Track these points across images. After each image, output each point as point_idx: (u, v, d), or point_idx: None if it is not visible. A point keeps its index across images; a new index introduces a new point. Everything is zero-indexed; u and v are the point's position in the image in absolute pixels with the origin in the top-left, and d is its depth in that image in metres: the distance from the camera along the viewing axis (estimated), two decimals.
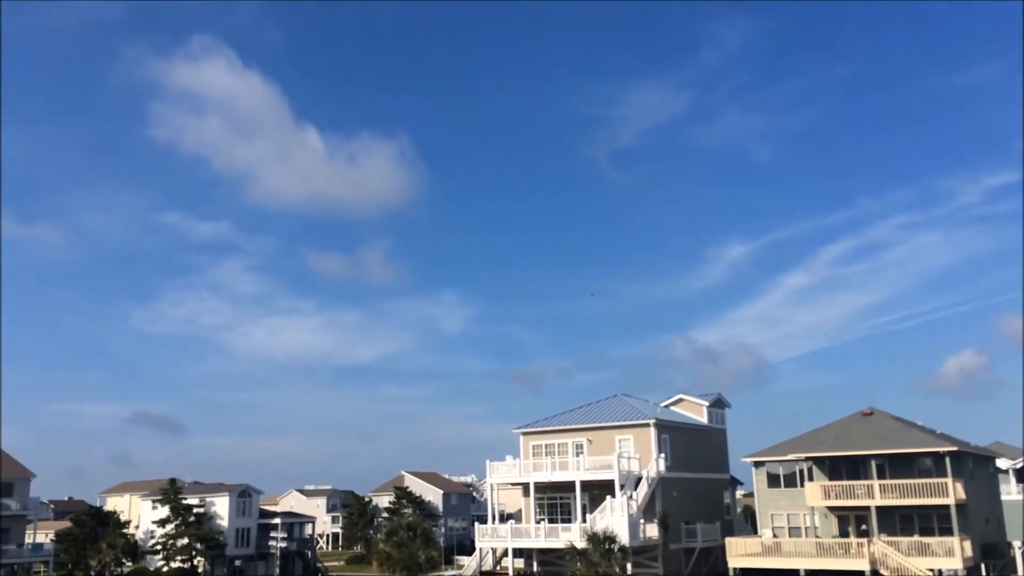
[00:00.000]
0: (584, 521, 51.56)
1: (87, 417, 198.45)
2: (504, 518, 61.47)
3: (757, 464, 53.80)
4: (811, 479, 50.46)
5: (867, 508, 47.60)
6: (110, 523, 79.34)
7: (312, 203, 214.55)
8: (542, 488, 57.50)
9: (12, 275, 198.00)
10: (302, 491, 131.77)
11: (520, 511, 62.96)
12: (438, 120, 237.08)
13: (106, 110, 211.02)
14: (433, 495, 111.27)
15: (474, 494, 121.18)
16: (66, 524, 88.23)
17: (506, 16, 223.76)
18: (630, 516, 50.57)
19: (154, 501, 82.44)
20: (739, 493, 75.31)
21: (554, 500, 58.00)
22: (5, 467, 67.98)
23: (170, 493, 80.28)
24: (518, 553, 56.11)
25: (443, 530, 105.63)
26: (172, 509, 79.16)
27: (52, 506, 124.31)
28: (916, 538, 45.44)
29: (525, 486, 57.92)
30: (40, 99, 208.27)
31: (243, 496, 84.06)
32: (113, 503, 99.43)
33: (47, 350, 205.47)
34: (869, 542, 45.14)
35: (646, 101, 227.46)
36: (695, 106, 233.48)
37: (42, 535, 78.38)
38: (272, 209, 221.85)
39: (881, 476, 48.26)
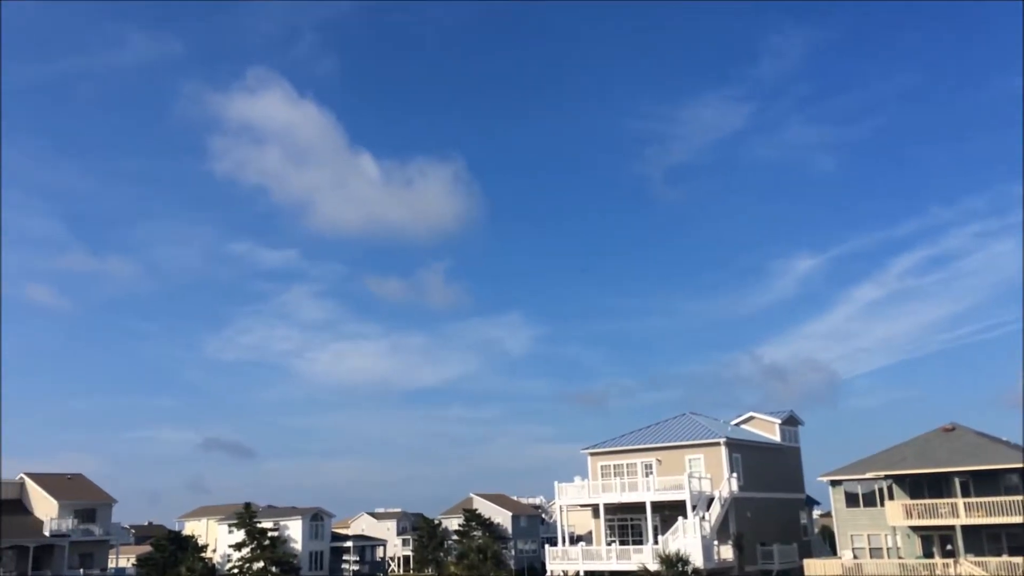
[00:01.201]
0: (656, 543, 50.76)
1: (163, 443, 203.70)
2: (574, 540, 60.90)
3: (834, 483, 52.36)
4: (891, 498, 48.85)
5: (952, 527, 45.83)
6: (188, 547, 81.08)
7: (370, 228, 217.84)
8: (612, 509, 56.88)
9: (89, 307, 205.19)
10: (373, 514, 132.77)
11: (590, 533, 62.35)
12: (492, 142, 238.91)
13: (170, 144, 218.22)
14: (502, 517, 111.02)
15: (543, 516, 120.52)
16: (146, 549, 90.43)
17: (558, 36, 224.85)
18: (703, 537, 49.64)
19: (230, 525, 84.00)
20: (816, 513, 73.27)
21: (624, 521, 57.29)
22: (88, 493, 70.16)
23: (245, 517, 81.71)
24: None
25: (513, 553, 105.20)
26: (247, 533, 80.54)
27: (133, 531, 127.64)
28: (1005, 558, 43.55)
29: (595, 507, 57.38)
30: (109, 136, 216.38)
31: (315, 519, 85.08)
32: (191, 527, 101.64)
33: (125, 379, 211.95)
34: (955, 563, 43.43)
35: (703, 116, 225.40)
36: (755, 119, 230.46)
37: (124, 560, 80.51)
38: (333, 235, 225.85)
39: (965, 494, 46.44)
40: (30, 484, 69.61)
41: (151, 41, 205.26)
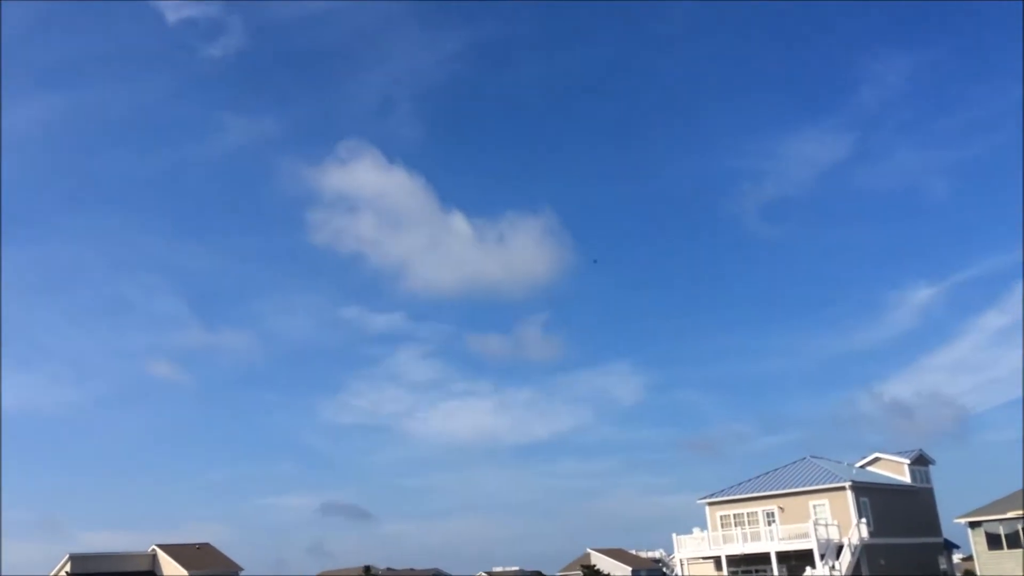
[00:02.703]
0: None
1: (285, 509, 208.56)
2: None
3: (973, 524, 49.25)
4: None
5: None
6: None
7: (467, 286, 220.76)
8: (735, 561, 54.89)
9: (208, 381, 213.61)
10: (491, 573, 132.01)
11: None
12: (580, 191, 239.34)
13: (274, 219, 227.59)
14: (621, 572, 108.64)
15: (664, 570, 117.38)
16: None
17: (644, 81, 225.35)
18: None
19: None
20: (956, 557, 68.97)
21: (748, 572, 55.14)
22: (216, 562, 72.32)
23: None
24: None
25: None
26: None
27: None
28: None
29: (716, 559, 55.53)
30: (219, 216, 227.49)
31: None
32: None
33: (246, 448, 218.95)
34: None
35: (803, 149, 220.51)
36: (858, 148, 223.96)
37: None
38: (433, 295, 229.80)
39: None
40: (161, 555, 72.24)
41: (249, 124, 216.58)
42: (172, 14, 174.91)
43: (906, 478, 58.85)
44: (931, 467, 62.20)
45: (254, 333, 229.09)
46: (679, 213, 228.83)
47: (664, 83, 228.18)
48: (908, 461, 59.33)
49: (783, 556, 51.27)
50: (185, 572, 69.95)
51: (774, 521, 54.14)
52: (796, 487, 55.07)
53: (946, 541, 61.71)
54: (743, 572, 55.28)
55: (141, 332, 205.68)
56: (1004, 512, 46.80)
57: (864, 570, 50.55)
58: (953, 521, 52.40)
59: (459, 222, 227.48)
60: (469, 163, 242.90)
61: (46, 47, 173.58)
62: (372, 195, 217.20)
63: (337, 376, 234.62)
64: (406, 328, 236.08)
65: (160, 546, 73.25)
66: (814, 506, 53.69)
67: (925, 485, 60.57)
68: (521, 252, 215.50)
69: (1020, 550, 47.14)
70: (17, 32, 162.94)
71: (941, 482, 65.36)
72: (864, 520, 52.03)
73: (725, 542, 54.17)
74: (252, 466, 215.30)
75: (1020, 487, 49.14)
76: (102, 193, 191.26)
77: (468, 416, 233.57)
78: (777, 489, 55.87)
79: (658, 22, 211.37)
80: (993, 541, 48.73)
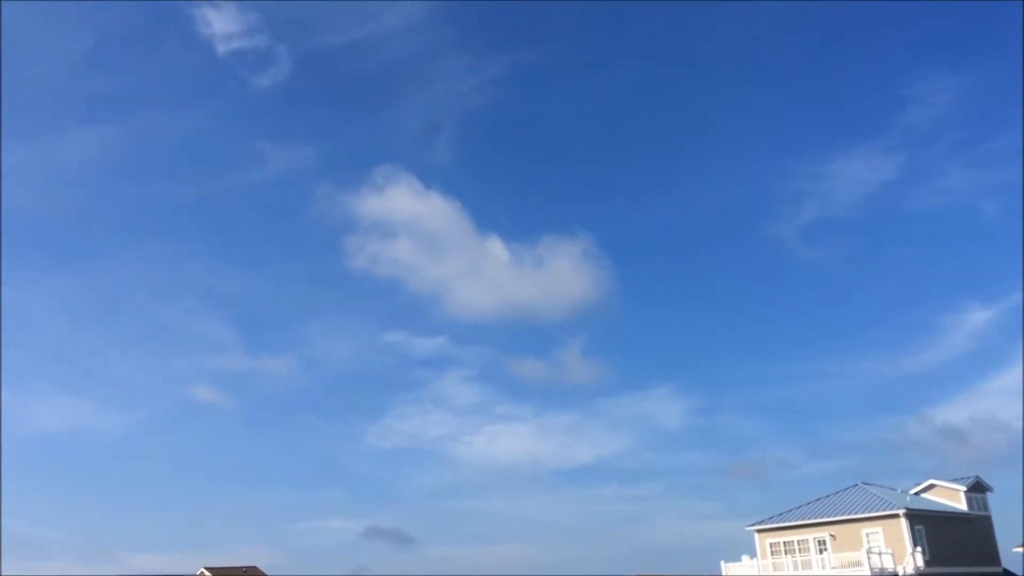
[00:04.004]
0: None
1: (330, 533, 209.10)
2: None
3: None
4: None
5: None
6: None
7: (506, 310, 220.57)
8: None
9: (253, 405, 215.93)
10: None
11: None
12: (616, 214, 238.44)
13: (315, 245, 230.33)
14: None
15: None
16: None
17: (686, 105, 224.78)
18: None
19: None
20: None
21: None
22: None
23: None
24: None
25: None
26: None
27: None
28: None
29: None
30: (261, 243, 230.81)
31: None
32: None
33: (292, 473, 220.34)
34: None
35: (849, 171, 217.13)
36: (907, 170, 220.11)
37: None
38: (474, 320, 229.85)
39: None
40: None
41: (291, 151, 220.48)
42: (222, 46, 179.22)
43: (962, 505, 57.25)
44: (988, 494, 60.46)
45: (297, 358, 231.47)
46: (719, 236, 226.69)
47: (703, 105, 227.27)
48: (964, 488, 57.74)
49: None
50: None
51: (826, 549, 52.98)
52: (848, 514, 53.84)
53: (1005, 571, 59.81)
54: None
55: (186, 357, 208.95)
56: None
57: None
58: (1013, 551, 50.86)
59: (496, 246, 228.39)
60: (504, 187, 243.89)
61: (98, 80, 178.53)
62: (409, 220, 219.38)
63: (381, 400, 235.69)
64: (449, 352, 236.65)
65: (208, 568, 74.03)
66: (867, 534, 52.45)
67: (982, 513, 58.85)
68: (558, 276, 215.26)
69: None
70: (69, 64, 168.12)
71: (999, 510, 63.49)
72: (919, 549, 50.68)
73: (775, 570, 53.14)
74: (296, 490, 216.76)
75: None
76: (150, 221, 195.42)
77: (511, 440, 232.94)
78: (828, 516, 54.67)
79: (698, 44, 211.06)
80: None
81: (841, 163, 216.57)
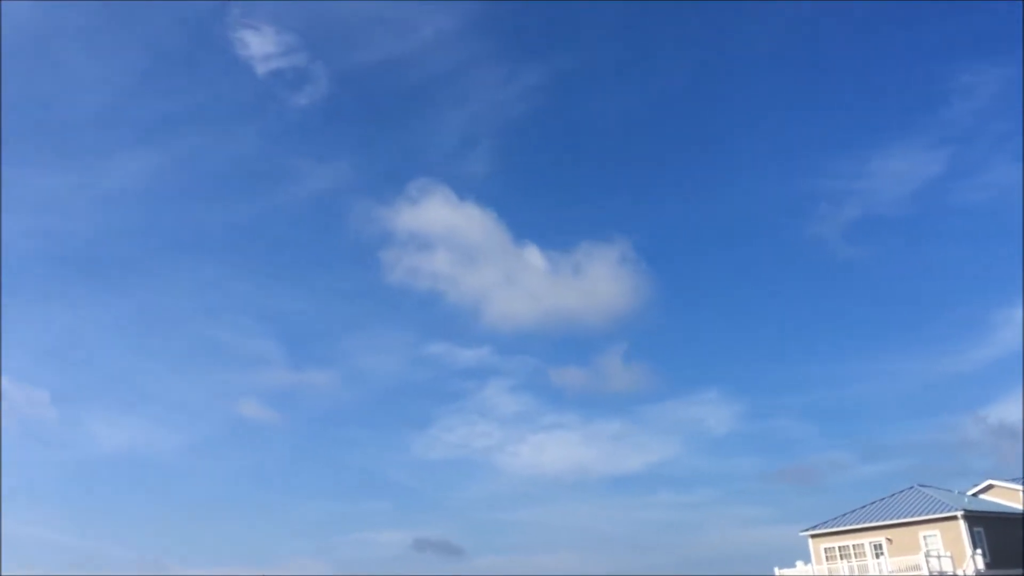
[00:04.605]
0: None
1: (379, 545, 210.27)
2: None
3: None
4: None
5: None
6: None
7: (545, 318, 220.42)
8: None
9: (301, 420, 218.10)
10: None
11: None
12: (653, 218, 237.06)
13: (355, 259, 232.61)
14: None
15: None
16: None
17: (721, 102, 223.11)
18: None
19: None
20: None
21: None
22: None
23: None
24: None
25: None
26: None
27: None
28: None
29: None
30: (304, 258, 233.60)
31: None
32: None
33: (339, 485, 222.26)
34: None
35: (892, 167, 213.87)
36: (951, 164, 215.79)
37: None
38: (512, 329, 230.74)
39: None
40: None
41: (330, 168, 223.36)
42: (261, 66, 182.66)
43: (1022, 506, 56.03)
44: None
45: (341, 371, 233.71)
46: (759, 236, 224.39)
47: (741, 104, 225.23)
48: None
49: None
50: None
51: (882, 553, 52.19)
52: (905, 517, 52.99)
53: None
54: None
55: (235, 374, 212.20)
56: None
57: None
58: None
59: (533, 255, 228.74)
60: (540, 195, 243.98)
61: (146, 105, 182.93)
62: (445, 232, 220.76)
63: (425, 412, 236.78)
64: (492, 362, 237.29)
65: None
66: (924, 537, 51.58)
67: None
68: (597, 282, 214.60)
69: None
70: (118, 92, 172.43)
71: None
72: (979, 551, 49.69)
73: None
74: (344, 502, 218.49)
75: None
76: (197, 242, 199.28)
77: (557, 449, 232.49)
78: (884, 520, 53.86)
79: (735, 42, 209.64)
80: None
81: (883, 159, 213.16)
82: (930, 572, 47.46)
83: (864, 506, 57.77)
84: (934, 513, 51.79)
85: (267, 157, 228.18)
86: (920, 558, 48.35)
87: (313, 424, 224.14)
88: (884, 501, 57.64)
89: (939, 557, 49.24)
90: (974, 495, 57.66)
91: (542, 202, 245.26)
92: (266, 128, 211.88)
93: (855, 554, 53.91)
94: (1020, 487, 56.55)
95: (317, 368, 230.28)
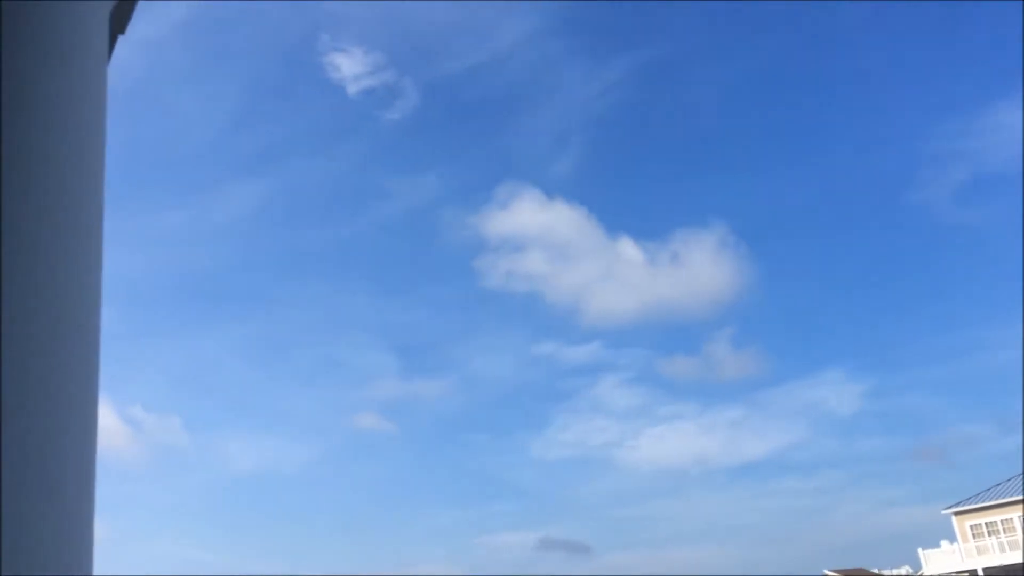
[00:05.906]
0: None
1: (505, 547, 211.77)
2: None
3: None
4: None
5: None
6: None
7: (648, 309, 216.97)
8: (994, 573, 50.19)
9: (420, 428, 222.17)
10: None
11: None
12: (749, 198, 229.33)
13: (450, 270, 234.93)
14: None
15: None
16: None
17: (815, 73, 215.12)
18: None
19: None
20: None
21: None
22: None
23: None
24: None
25: None
26: None
27: None
28: None
29: (972, 573, 51.02)
30: (407, 272, 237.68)
31: None
32: None
33: (462, 490, 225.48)
34: None
35: (1001, 122, 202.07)
36: None
37: None
38: (616, 323, 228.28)
39: None
40: None
41: (416, 181, 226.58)
42: (352, 86, 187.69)
43: None
44: None
45: (453, 379, 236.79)
46: (861, 206, 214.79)
47: (834, 73, 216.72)
48: None
49: None
50: None
51: None
52: None
53: None
54: None
55: (355, 388, 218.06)
56: None
57: None
58: None
59: (628, 247, 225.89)
60: (630, 186, 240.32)
61: (248, 136, 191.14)
62: (537, 233, 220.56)
63: (541, 412, 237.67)
64: (602, 357, 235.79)
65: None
66: None
67: None
68: (697, 269, 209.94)
69: None
70: (223, 127, 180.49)
71: None
72: None
73: (980, 553, 49.76)
74: (468, 507, 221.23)
75: None
76: (307, 264, 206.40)
77: (677, 440, 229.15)
78: None
79: (826, 15, 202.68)
80: None
81: (991, 115, 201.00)
82: None
83: (1010, 479, 54.63)
84: None
85: (364, 174, 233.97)
86: None
87: (431, 432, 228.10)
88: None
89: None
90: None
91: (632, 194, 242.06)
92: (361, 146, 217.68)
93: (1004, 529, 50.99)
94: None
95: (430, 377, 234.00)
